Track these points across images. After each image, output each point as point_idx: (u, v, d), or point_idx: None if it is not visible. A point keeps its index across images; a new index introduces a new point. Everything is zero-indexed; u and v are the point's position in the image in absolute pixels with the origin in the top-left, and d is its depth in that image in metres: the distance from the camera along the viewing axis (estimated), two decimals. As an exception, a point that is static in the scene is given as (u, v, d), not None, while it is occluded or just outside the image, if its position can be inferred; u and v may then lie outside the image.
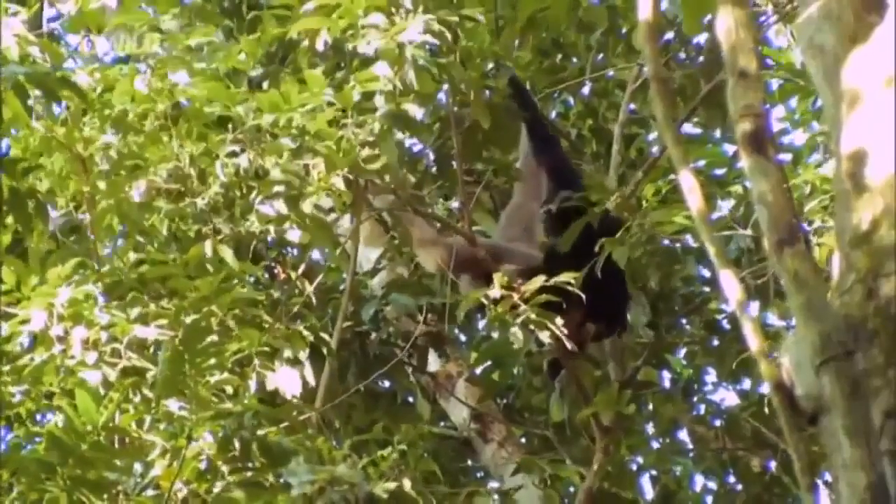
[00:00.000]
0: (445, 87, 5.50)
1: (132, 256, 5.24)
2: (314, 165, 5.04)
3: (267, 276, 6.55)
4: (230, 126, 5.09)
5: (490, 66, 5.58)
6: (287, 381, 5.02)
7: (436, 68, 5.12)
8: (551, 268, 5.66)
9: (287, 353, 5.07)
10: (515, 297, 5.41)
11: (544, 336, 5.47)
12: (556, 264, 5.72)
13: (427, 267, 6.32)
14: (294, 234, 5.20)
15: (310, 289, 5.96)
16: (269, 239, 5.72)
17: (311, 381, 5.19)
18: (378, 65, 5.09)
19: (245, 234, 5.16)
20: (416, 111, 5.11)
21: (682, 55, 6.97)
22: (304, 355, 5.12)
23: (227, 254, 5.02)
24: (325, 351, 5.55)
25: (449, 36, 5.16)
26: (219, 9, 6.22)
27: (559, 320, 5.51)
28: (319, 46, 5.20)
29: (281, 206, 5.03)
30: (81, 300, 4.72)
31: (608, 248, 5.75)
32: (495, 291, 5.40)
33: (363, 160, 5.06)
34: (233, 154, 5.04)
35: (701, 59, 6.88)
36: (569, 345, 5.54)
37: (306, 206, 5.03)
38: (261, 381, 4.99)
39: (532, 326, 5.46)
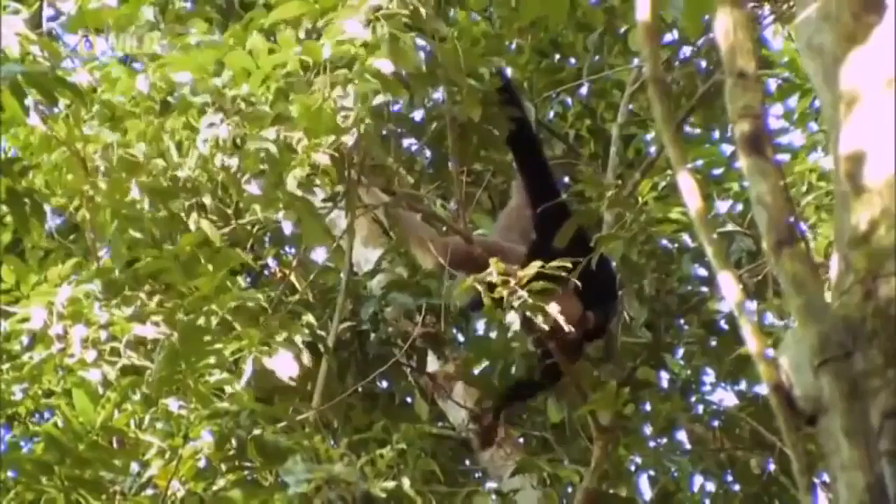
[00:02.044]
0: (443, 89, 5.49)
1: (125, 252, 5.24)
2: (297, 141, 5.00)
3: (266, 274, 6.56)
4: (210, 99, 5.06)
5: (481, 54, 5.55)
6: (283, 364, 5.00)
7: (409, 39, 5.08)
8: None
9: (284, 336, 5.05)
10: (512, 282, 5.41)
11: (540, 322, 5.46)
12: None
13: (424, 264, 6.33)
14: (281, 216, 5.17)
15: (305, 285, 5.96)
16: (267, 238, 5.73)
17: (308, 363, 5.18)
18: (347, 22, 5.04)
19: (244, 231, 5.15)
20: (386, 66, 5.05)
21: (684, 55, 6.99)
22: (300, 339, 5.11)
23: (210, 228, 5.00)
24: (322, 349, 5.55)
25: (423, 11, 5.12)
26: (213, 7, 6.22)
27: (554, 305, 5.52)
28: (301, 34, 5.18)
29: (266, 184, 5.00)
30: (81, 299, 4.72)
31: (603, 245, 5.77)
32: (492, 275, 5.40)
33: (343, 126, 5.02)
34: (211, 125, 5.00)
35: (700, 60, 6.90)
36: (567, 327, 5.54)
37: (290, 182, 5.00)
38: (258, 371, 4.98)
39: (528, 312, 5.45)
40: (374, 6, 5.03)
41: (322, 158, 5.00)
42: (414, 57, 5.09)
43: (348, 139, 5.06)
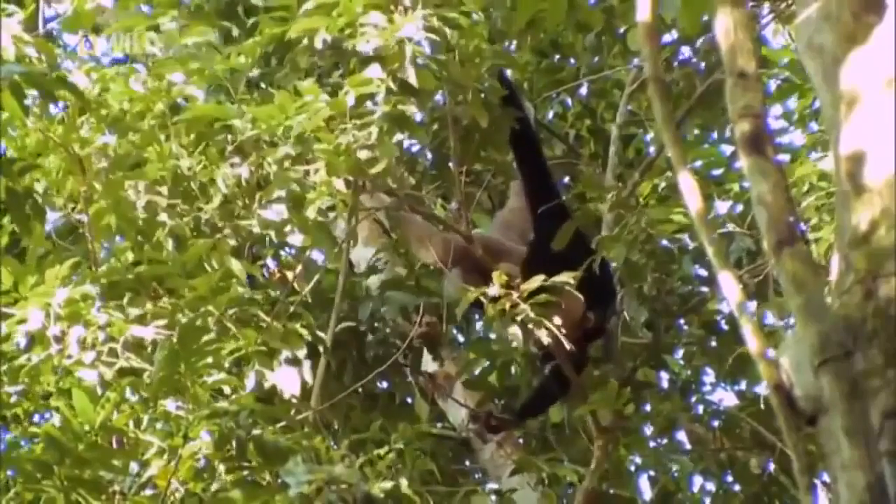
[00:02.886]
0: (443, 87, 5.49)
1: (129, 256, 5.24)
2: (315, 170, 5.03)
3: (265, 275, 6.55)
4: (228, 137, 5.08)
5: (487, 65, 5.56)
6: (286, 380, 5.02)
7: (435, 65, 5.11)
8: (538, 267, 5.68)
9: (286, 354, 5.06)
10: (514, 295, 5.42)
11: (543, 334, 5.48)
12: (543, 264, 5.75)
13: (425, 260, 6.33)
14: (296, 238, 5.19)
15: (306, 289, 5.96)
16: (268, 239, 5.70)
17: (310, 379, 5.18)
18: (371, 67, 5.07)
19: (245, 235, 5.15)
20: (413, 111, 5.09)
21: (684, 55, 6.99)
22: (302, 354, 5.12)
23: (234, 263, 5.02)
24: (321, 349, 5.55)
25: (448, 32, 5.15)
26: (215, 12, 6.22)
27: (557, 319, 5.52)
28: (318, 44, 5.19)
29: (283, 210, 5.02)
30: (79, 300, 4.72)
31: (604, 247, 5.77)
32: (494, 289, 5.41)
33: (363, 163, 5.04)
34: (233, 164, 5.03)
35: (699, 60, 6.90)
36: (567, 345, 5.55)
37: (309, 212, 5.03)
38: (259, 381, 4.99)
39: (531, 325, 5.46)
40: (403, 35, 5.04)
41: (339, 185, 5.04)
42: (435, 83, 5.13)
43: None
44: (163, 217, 5.05)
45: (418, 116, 5.19)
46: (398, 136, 5.15)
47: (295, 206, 5.01)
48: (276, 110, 5.03)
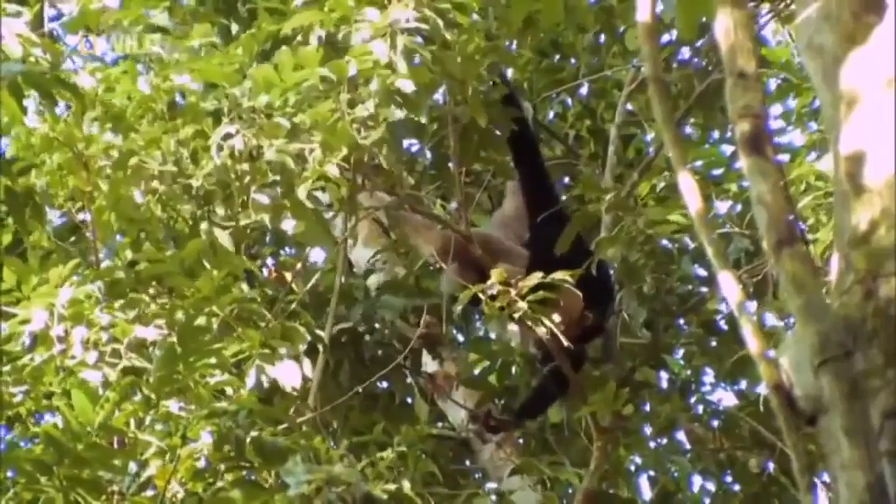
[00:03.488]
0: (442, 87, 5.49)
1: (129, 254, 5.24)
2: (310, 151, 5.00)
3: (264, 275, 6.56)
4: (225, 108, 5.05)
5: (486, 63, 5.56)
6: (287, 374, 5.01)
7: (428, 54, 5.10)
8: (539, 268, 5.69)
9: (286, 350, 5.06)
10: (513, 293, 5.42)
11: (541, 332, 5.48)
12: (543, 265, 5.76)
13: (424, 253, 6.33)
14: (289, 225, 5.17)
15: (304, 289, 5.96)
16: (266, 238, 5.70)
17: (311, 374, 5.18)
18: (374, 43, 5.06)
19: (242, 230, 5.14)
20: (408, 87, 5.06)
21: (684, 55, 6.99)
22: (303, 348, 5.11)
23: (224, 237, 5.00)
24: (320, 348, 5.55)
25: (441, 23, 5.13)
26: (213, 8, 6.21)
27: (556, 317, 5.53)
28: (313, 41, 5.19)
29: (276, 194, 5.00)
30: (82, 300, 4.72)
31: (603, 248, 5.78)
32: (493, 287, 5.41)
33: (359, 137, 5.02)
34: (227, 136, 5.00)
35: (698, 60, 6.90)
36: (565, 342, 5.56)
37: (301, 193, 5.00)
38: (260, 379, 4.98)
39: (529, 322, 5.47)
40: (393, 20, 5.03)
41: (333, 171, 5.02)
42: (428, 73, 5.11)
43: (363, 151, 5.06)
44: (155, 184, 5.02)
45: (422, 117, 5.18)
46: (396, 117, 5.13)
47: (287, 186, 4.98)
48: (274, 75, 5.00)
